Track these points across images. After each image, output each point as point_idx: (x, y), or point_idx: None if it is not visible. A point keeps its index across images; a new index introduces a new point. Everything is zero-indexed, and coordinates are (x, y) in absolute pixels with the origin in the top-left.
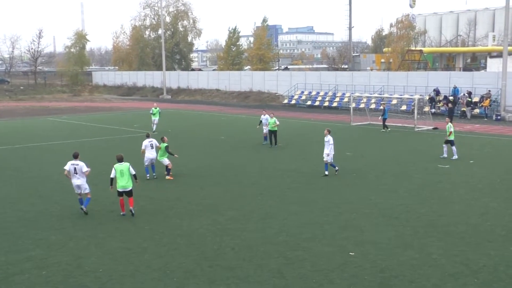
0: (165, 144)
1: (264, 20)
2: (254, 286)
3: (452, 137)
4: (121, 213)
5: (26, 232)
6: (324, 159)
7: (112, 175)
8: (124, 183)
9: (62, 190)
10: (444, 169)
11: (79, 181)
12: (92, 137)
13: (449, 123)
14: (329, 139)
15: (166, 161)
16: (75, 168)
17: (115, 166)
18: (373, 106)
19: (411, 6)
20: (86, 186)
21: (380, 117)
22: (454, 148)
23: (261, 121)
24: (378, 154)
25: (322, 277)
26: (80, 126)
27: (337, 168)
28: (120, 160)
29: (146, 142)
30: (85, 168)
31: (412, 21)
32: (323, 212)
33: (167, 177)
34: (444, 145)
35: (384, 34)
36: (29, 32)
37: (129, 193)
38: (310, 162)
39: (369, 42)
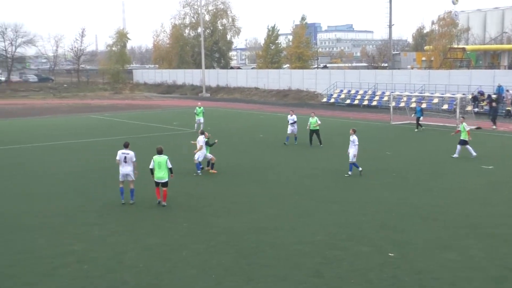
0: (206, 139)
1: (303, 18)
2: (292, 285)
3: (465, 137)
4: (157, 201)
5: (68, 227)
6: (350, 160)
7: (151, 166)
8: (161, 174)
9: (102, 186)
10: (488, 170)
11: (128, 170)
12: (132, 135)
13: (464, 123)
14: (354, 139)
15: (209, 155)
16: (125, 157)
17: (154, 157)
18: (413, 105)
19: (453, 3)
20: (132, 175)
21: (413, 115)
22: (459, 147)
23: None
24: (418, 153)
25: (360, 277)
26: (121, 123)
27: (360, 169)
28: (159, 152)
29: (200, 138)
30: (134, 158)
31: (455, 18)
32: (361, 212)
33: (211, 171)
34: (458, 145)
35: (425, 31)
36: (73, 31)
37: (164, 185)
38: (347, 162)
39: (410, 40)
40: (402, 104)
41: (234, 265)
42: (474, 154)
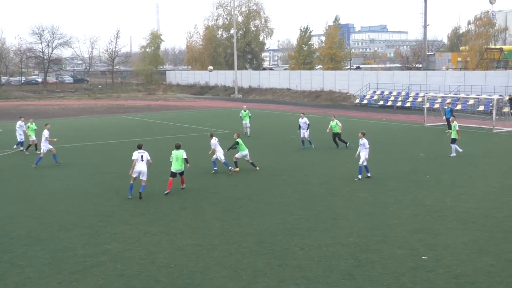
0: (238, 140)
1: (336, 19)
2: (323, 287)
3: (455, 135)
4: (166, 192)
5: (103, 226)
6: (361, 163)
7: (171, 159)
8: (178, 166)
9: (136, 187)
10: None
11: (143, 168)
12: (164, 135)
13: (455, 122)
14: (364, 142)
15: (241, 154)
16: (141, 156)
17: (172, 152)
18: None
19: (491, 3)
20: (146, 174)
21: (444, 117)
22: (453, 146)
23: (300, 126)
24: (453, 156)
25: (393, 281)
26: (154, 124)
27: (369, 174)
28: (177, 147)
29: (213, 141)
30: (149, 157)
31: (492, 18)
32: (395, 214)
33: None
34: (451, 145)
35: (461, 32)
36: (108, 33)
37: (181, 174)
38: (381, 163)
39: (445, 40)
40: (436, 106)
41: (265, 266)
42: (454, 153)
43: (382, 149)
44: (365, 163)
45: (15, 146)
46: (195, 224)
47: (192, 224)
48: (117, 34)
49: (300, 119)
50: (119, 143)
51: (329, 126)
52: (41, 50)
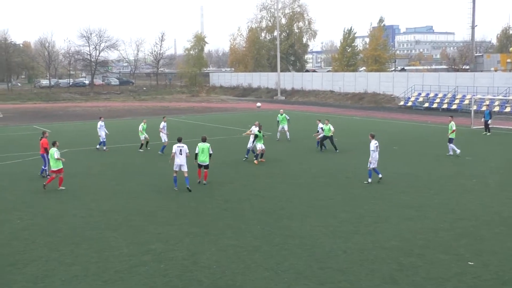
0: (257, 129)
1: (381, 20)
2: None
3: (453, 136)
4: (198, 181)
5: (147, 226)
6: (371, 166)
7: (196, 151)
8: (203, 158)
9: (179, 188)
10: None
11: (183, 161)
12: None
13: (452, 122)
14: (371, 144)
15: (259, 145)
16: (180, 150)
17: (198, 144)
18: (496, 109)
19: None
20: (186, 166)
21: (482, 119)
22: (450, 146)
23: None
24: (501, 159)
25: (437, 286)
26: (196, 125)
27: (380, 175)
28: (203, 140)
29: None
30: (187, 150)
31: None
32: (439, 218)
33: (256, 161)
34: (448, 144)
35: (511, 32)
36: (153, 36)
37: (206, 167)
38: (426, 166)
39: (494, 41)
40: (484, 108)
41: (306, 269)
42: (451, 152)
43: (427, 152)
44: (372, 166)
45: (98, 146)
46: (235, 225)
47: (233, 225)
48: (162, 36)
49: (324, 125)
50: (160, 145)
51: (318, 130)
52: (89, 53)
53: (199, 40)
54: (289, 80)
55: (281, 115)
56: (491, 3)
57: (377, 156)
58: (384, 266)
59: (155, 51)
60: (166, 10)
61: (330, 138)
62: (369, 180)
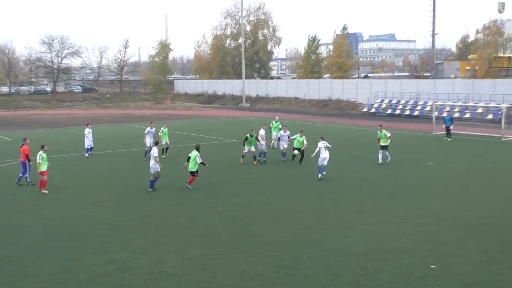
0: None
1: (344, 28)
2: None
3: (388, 143)
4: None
5: (112, 235)
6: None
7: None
8: (190, 165)
9: (145, 195)
10: None
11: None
12: (172, 144)
13: (384, 131)
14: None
15: (253, 148)
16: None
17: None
18: (456, 115)
19: (499, 11)
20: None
21: (444, 125)
22: (387, 153)
23: (280, 138)
24: (462, 164)
25: None
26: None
27: (320, 175)
28: (195, 148)
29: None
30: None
31: (501, 27)
32: (403, 223)
33: (255, 162)
34: (381, 151)
35: (470, 40)
36: (116, 43)
37: (192, 173)
38: (390, 172)
39: (454, 49)
40: (444, 114)
41: (273, 276)
42: (389, 159)
43: (391, 158)
44: (320, 163)
45: (86, 155)
46: (202, 233)
47: (200, 233)
48: (126, 43)
49: (283, 132)
50: (127, 152)
51: (294, 140)
52: (51, 60)
53: (164, 47)
54: (254, 87)
55: (276, 122)
56: (451, 12)
57: (327, 155)
58: (349, 271)
59: (119, 58)
60: (130, 17)
61: (302, 150)
62: (319, 175)
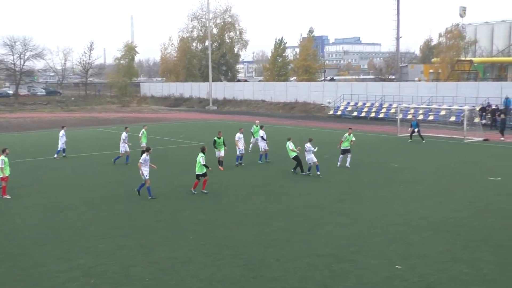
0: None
1: (310, 31)
2: None
3: (347, 145)
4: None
5: (77, 240)
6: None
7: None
8: (196, 169)
9: (112, 199)
10: (495, 182)
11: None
12: (138, 148)
13: (351, 134)
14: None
15: (222, 153)
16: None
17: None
18: (420, 117)
19: (461, 16)
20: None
21: (411, 128)
22: (342, 157)
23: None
24: (426, 165)
25: None
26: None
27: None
28: (201, 150)
29: (239, 135)
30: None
31: (462, 31)
32: (371, 224)
33: (221, 167)
34: (344, 154)
35: (433, 44)
36: (81, 45)
37: (197, 177)
38: (357, 173)
39: (417, 52)
40: (409, 116)
41: (241, 278)
42: (348, 165)
43: (356, 160)
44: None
45: (63, 154)
46: (170, 237)
47: (168, 236)
48: (91, 45)
49: (262, 132)
50: (93, 156)
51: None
52: (13, 62)
53: (130, 50)
54: (221, 90)
55: (256, 126)
56: (415, 16)
57: (309, 155)
58: (317, 273)
59: (83, 60)
60: (95, 19)
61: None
62: (318, 173)
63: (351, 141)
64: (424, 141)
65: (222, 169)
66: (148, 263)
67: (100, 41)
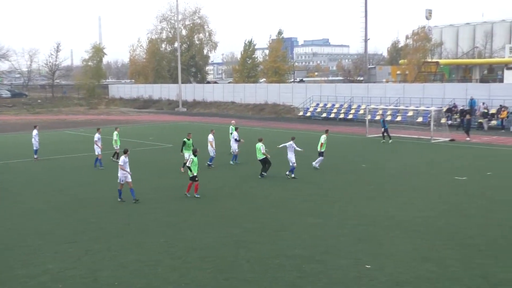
0: (191, 141)
1: (280, 33)
2: None
3: (323, 149)
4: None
5: (43, 245)
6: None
7: (188, 164)
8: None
9: (79, 203)
10: (461, 181)
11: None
12: (108, 150)
13: (324, 135)
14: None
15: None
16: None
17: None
18: (389, 118)
19: (427, 18)
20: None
21: (382, 129)
22: (321, 158)
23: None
24: (394, 166)
25: None
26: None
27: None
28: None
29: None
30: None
31: (428, 33)
32: (339, 225)
33: (182, 169)
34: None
35: (400, 46)
36: (47, 46)
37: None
38: (326, 174)
39: (385, 54)
40: (378, 117)
41: (211, 281)
42: (317, 165)
43: (326, 160)
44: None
45: (35, 156)
46: (138, 240)
47: (136, 240)
48: (58, 47)
49: (235, 132)
50: (60, 159)
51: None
52: None
53: (98, 51)
54: (191, 91)
55: (233, 126)
56: (382, 18)
57: (290, 155)
58: (287, 274)
59: (50, 62)
60: (62, 20)
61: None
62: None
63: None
64: (390, 141)
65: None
66: (116, 266)
67: (67, 42)
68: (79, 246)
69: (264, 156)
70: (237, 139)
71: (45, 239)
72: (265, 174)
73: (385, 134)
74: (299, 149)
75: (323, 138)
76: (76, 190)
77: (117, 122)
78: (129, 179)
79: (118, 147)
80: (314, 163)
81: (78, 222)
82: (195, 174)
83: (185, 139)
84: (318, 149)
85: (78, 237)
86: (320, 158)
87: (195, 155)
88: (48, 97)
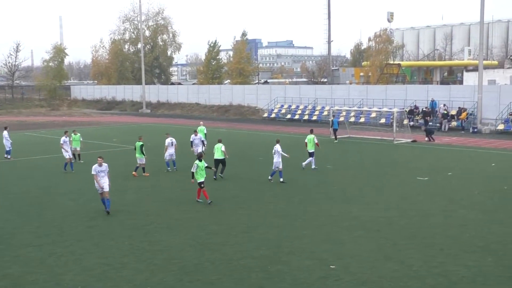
0: (141, 143)
1: (244, 34)
2: None
3: (313, 149)
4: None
5: (3, 249)
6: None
7: (193, 170)
8: (197, 176)
9: (40, 207)
10: (423, 181)
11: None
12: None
13: (312, 135)
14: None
15: (142, 160)
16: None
17: (196, 162)
18: (352, 119)
19: (389, 21)
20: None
21: (330, 128)
22: (311, 159)
23: (193, 143)
24: (358, 167)
25: None
26: (58, 140)
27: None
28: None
29: (168, 140)
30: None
31: (390, 36)
32: (304, 225)
33: (144, 174)
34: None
35: (362, 48)
36: (6, 46)
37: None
38: (290, 175)
39: (348, 56)
40: (341, 119)
41: (176, 283)
42: (305, 165)
43: (290, 162)
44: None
45: (5, 155)
46: (103, 243)
47: (100, 243)
48: (17, 47)
49: (194, 136)
50: (21, 161)
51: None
52: None
53: (59, 52)
54: (155, 92)
55: (201, 127)
56: (345, 20)
57: (276, 159)
58: (253, 275)
59: (9, 62)
60: (21, 19)
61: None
62: (278, 179)
63: (316, 143)
64: (336, 141)
65: (147, 174)
66: (80, 270)
67: (27, 42)
68: (41, 249)
69: (223, 157)
70: (204, 141)
71: (4, 243)
72: (221, 175)
73: (336, 134)
74: (285, 155)
75: (307, 138)
76: (37, 193)
77: (79, 124)
78: (106, 189)
79: (78, 149)
80: (311, 165)
81: (39, 226)
82: (200, 180)
83: (140, 143)
84: (308, 150)
85: (39, 240)
86: (310, 158)
87: (200, 160)
88: (8, 98)
